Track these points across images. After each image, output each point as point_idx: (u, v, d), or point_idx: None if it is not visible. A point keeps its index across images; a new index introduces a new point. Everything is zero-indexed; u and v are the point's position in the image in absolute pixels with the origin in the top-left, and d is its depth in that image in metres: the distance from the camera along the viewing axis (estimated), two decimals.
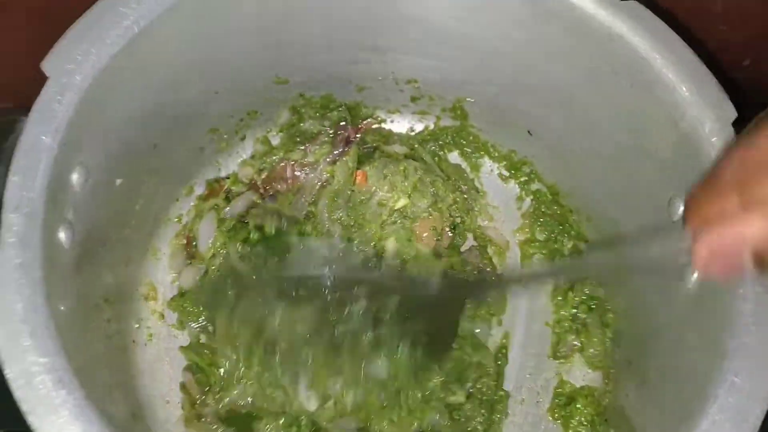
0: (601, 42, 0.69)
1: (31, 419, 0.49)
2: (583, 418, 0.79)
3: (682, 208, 0.68)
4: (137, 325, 0.80)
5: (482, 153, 0.94)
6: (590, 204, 0.86)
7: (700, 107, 0.66)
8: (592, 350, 0.82)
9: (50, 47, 0.61)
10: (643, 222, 0.74)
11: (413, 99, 0.90)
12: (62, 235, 0.59)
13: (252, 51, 0.77)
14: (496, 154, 0.93)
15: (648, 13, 0.68)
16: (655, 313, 0.74)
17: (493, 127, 0.91)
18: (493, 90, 0.85)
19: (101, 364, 0.65)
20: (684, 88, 0.67)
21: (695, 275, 0.66)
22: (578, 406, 0.80)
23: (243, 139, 0.89)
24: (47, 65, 0.59)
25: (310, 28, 0.77)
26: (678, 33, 0.69)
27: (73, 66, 0.60)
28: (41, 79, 0.60)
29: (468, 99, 0.89)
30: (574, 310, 0.85)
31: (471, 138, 0.93)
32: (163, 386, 0.79)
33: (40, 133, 0.57)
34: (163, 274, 0.84)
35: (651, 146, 0.71)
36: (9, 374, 0.50)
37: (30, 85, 0.60)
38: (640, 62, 0.68)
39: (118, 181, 0.70)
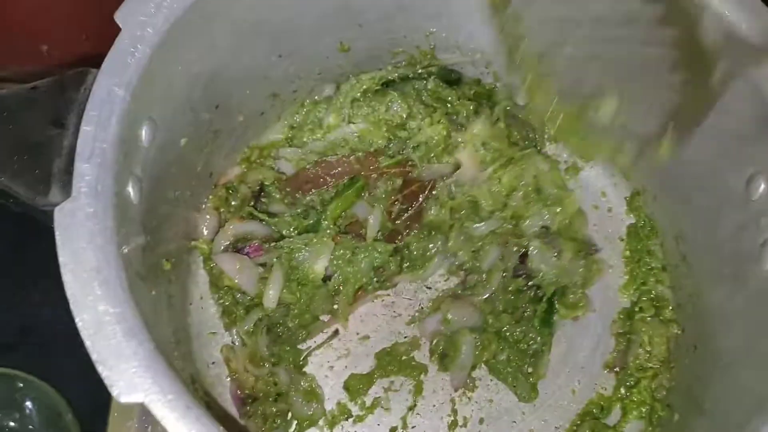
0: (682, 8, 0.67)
1: (101, 369, 0.48)
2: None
3: (763, 186, 0.65)
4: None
5: None
6: (659, 183, 0.83)
7: None
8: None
9: (107, 8, 0.60)
10: (717, 202, 0.72)
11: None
12: (131, 190, 0.59)
13: (318, 15, 0.76)
14: None
15: None
16: (726, 296, 0.71)
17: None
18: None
19: (164, 323, 0.64)
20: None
21: None
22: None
23: (302, 106, 0.87)
24: (120, 16, 0.59)
25: None
26: None
27: (145, 18, 0.59)
28: (104, 43, 0.59)
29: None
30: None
31: None
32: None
33: (113, 85, 0.56)
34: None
35: (731, 121, 0.68)
36: (79, 322, 0.49)
37: (92, 48, 0.60)
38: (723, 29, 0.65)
39: (183, 141, 0.69)
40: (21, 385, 0.82)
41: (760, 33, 0.64)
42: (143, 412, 0.73)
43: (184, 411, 0.48)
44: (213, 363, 0.78)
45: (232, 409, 0.76)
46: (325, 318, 0.81)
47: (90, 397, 0.74)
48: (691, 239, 0.78)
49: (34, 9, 0.88)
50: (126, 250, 0.54)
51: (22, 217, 0.83)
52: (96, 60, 0.58)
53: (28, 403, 0.82)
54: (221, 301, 0.78)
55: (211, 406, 0.69)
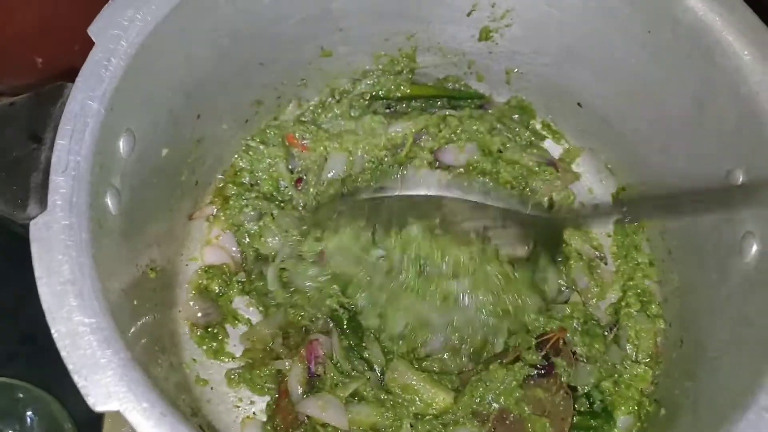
0: (659, 6, 0.67)
1: (77, 379, 0.49)
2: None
3: (742, 179, 0.65)
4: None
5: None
6: (644, 178, 0.83)
7: (763, 73, 0.63)
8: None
9: (92, 15, 0.61)
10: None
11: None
12: (109, 201, 0.59)
13: (297, 20, 0.76)
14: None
15: None
16: (711, 289, 0.71)
17: (541, 98, 0.89)
18: (543, 60, 0.83)
19: (148, 331, 0.65)
20: (745, 53, 0.64)
21: (754, 249, 0.63)
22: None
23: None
24: (94, 30, 0.59)
25: None
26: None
27: (119, 32, 0.60)
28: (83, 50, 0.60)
29: (516, 70, 0.87)
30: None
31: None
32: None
33: (87, 98, 0.57)
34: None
35: (711, 116, 0.68)
36: (55, 334, 0.50)
37: (78, 58, 0.61)
38: (699, 25, 0.65)
39: (164, 151, 0.70)
40: (21, 395, 0.83)
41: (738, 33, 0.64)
42: None
43: (159, 418, 0.49)
44: None
45: (223, 416, 0.76)
46: None
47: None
48: (676, 234, 0.78)
49: (27, 22, 0.89)
50: (104, 262, 0.55)
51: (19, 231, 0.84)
52: (72, 76, 0.59)
53: (29, 413, 0.83)
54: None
55: (196, 413, 0.70)
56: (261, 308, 0.82)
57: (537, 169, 0.86)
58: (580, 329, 0.77)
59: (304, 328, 0.79)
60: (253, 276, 0.82)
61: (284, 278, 0.80)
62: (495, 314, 0.78)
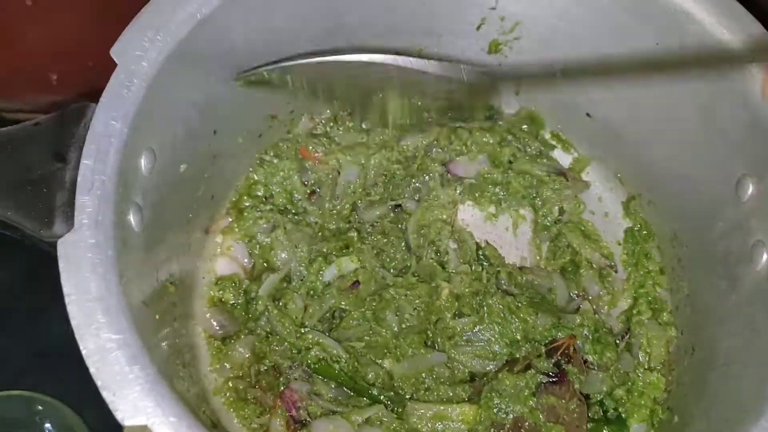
0: (668, 18, 0.68)
1: (106, 394, 0.51)
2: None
3: (752, 188, 0.66)
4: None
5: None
6: (653, 186, 0.84)
7: None
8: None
9: (111, 37, 0.62)
10: (709, 205, 0.73)
11: None
12: (132, 218, 0.61)
13: (310, 35, 0.77)
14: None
15: None
16: (721, 297, 0.72)
17: (550, 109, 0.90)
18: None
19: (170, 345, 0.66)
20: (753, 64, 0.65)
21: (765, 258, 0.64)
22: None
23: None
24: (116, 51, 0.61)
25: (369, 11, 0.78)
26: (746, 6, 0.67)
27: (140, 53, 0.61)
28: (109, 70, 0.61)
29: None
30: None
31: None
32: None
33: (111, 118, 0.59)
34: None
35: (720, 125, 0.69)
36: (84, 350, 0.52)
37: (98, 75, 0.62)
38: (706, 37, 0.66)
39: (182, 167, 0.71)
40: (40, 407, 0.83)
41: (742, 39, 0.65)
42: None
43: None
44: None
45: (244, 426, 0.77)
46: None
47: (104, 417, 0.76)
48: (686, 242, 0.79)
49: (41, 39, 0.91)
50: (128, 278, 0.56)
51: (32, 247, 0.85)
52: (92, 96, 0.61)
53: (48, 425, 0.83)
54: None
55: (216, 425, 0.71)
56: (243, 313, 0.82)
57: (547, 178, 0.87)
58: (591, 337, 0.78)
59: (275, 365, 0.78)
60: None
61: (276, 295, 0.81)
62: (504, 344, 0.79)
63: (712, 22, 0.66)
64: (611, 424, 0.76)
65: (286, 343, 0.78)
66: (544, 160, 0.88)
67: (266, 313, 0.79)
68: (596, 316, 0.81)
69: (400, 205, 0.86)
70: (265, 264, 0.84)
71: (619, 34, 0.74)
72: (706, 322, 0.74)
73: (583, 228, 0.88)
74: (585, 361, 0.78)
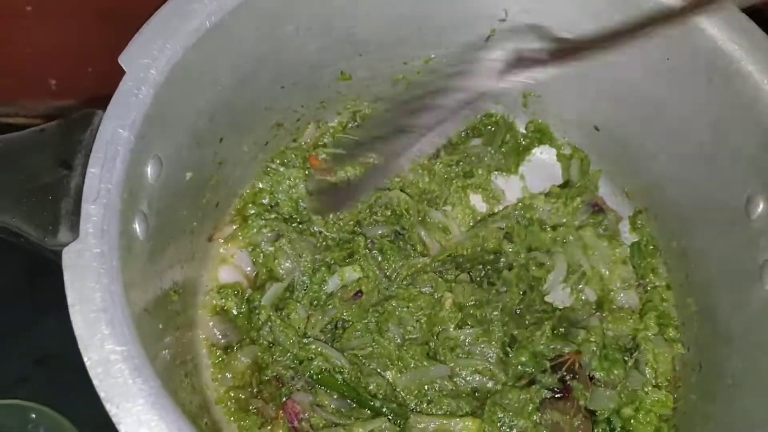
0: (678, 34, 0.68)
1: (109, 407, 0.50)
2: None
3: (762, 206, 0.66)
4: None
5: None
6: (660, 202, 0.83)
7: None
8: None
9: (117, 45, 0.62)
10: (717, 222, 0.72)
11: None
12: (137, 227, 0.60)
13: (319, 46, 0.77)
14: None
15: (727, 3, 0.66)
16: (728, 315, 0.71)
17: (558, 122, 0.90)
18: (559, 85, 0.84)
19: (173, 355, 0.66)
20: (765, 82, 0.65)
21: None
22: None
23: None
24: (124, 59, 0.60)
25: (378, 24, 0.78)
26: (758, 23, 0.67)
27: (148, 60, 0.61)
28: (108, 77, 0.61)
29: (533, 94, 0.88)
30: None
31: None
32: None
33: (118, 126, 0.58)
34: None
35: (728, 143, 0.69)
36: (88, 362, 0.51)
37: (96, 81, 0.62)
38: (718, 54, 0.66)
39: (188, 174, 0.71)
40: (34, 416, 0.82)
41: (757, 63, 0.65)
42: None
43: None
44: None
45: None
46: None
47: (102, 428, 0.75)
48: (693, 258, 0.78)
49: (41, 45, 0.91)
50: (132, 288, 0.56)
51: (33, 254, 0.84)
52: (105, 101, 0.60)
53: None
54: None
55: None
56: (246, 322, 0.81)
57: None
58: (598, 353, 0.78)
59: (277, 376, 0.77)
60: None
61: (279, 305, 0.81)
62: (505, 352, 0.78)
63: (724, 38, 0.66)
64: None
65: (288, 353, 0.78)
66: None
67: (269, 322, 0.79)
68: (603, 331, 0.81)
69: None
70: (268, 273, 0.83)
71: (628, 49, 0.73)
72: (714, 339, 0.73)
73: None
74: (591, 378, 0.77)
